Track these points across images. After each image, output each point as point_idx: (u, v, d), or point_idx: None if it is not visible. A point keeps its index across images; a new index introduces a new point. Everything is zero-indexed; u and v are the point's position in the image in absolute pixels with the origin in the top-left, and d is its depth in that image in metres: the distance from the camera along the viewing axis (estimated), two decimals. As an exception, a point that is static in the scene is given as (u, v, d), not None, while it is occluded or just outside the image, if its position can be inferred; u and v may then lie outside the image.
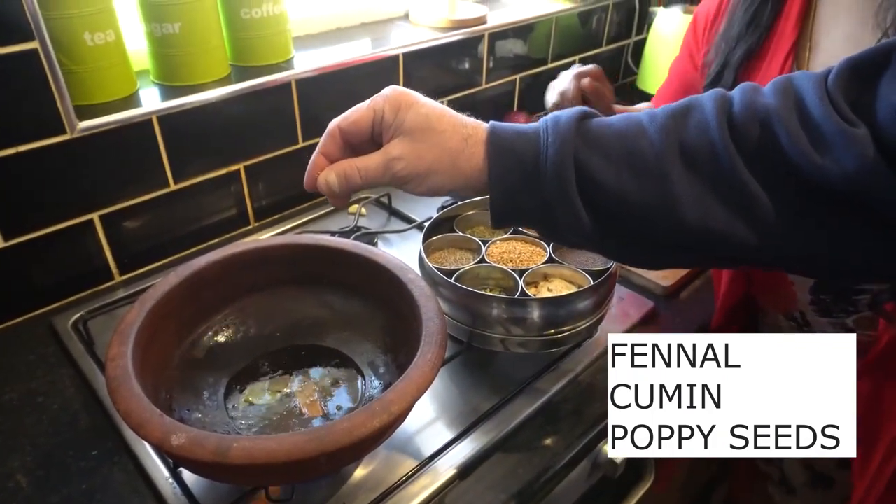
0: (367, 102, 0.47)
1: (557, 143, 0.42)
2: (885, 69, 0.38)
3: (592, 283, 0.69)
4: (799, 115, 0.39)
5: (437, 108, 0.45)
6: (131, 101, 0.81)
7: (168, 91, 0.84)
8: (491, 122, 0.46)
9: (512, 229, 0.80)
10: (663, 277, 0.86)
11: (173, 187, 0.87)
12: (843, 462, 0.80)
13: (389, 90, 0.46)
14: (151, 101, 0.81)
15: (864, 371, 0.64)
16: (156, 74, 0.85)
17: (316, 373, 0.66)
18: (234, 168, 0.92)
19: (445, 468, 0.60)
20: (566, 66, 1.41)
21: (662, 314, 0.83)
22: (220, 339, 0.66)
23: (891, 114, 0.36)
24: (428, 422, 0.65)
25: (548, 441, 0.64)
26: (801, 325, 0.72)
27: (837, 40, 0.62)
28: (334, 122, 0.48)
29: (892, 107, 0.36)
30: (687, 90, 0.81)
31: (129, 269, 0.87)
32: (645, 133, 0.42)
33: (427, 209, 0.99)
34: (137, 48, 0.84)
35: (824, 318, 0.69)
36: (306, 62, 0.95)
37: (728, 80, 0.69)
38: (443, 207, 0.83)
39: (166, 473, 0.58)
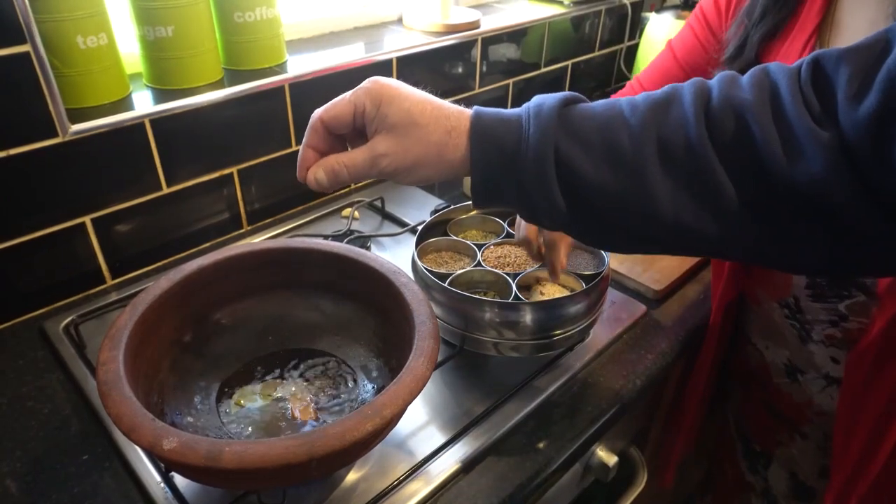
0: (348, 94, 0.47)
1: (538, 133, 0.43)
2: (842, 68, 0.38)
3: (585, 287, 0.69)
4: (773, 112, 0.40)
5: (419, 101, 0.45)
6: (124, 104, 0.80)
7: (161, 94, 0.83)
8: (475, 107, 0.46)
9: (504, 233, 0.81)
10: (655, 281, 0.87)
11: (166, 191, 0.86)
12: (824, 471, 0.80)
13: (370, 82, 0.46)
14: (144, 104, 0.81)
15: (855, 361, 0.65)
16: (148, 78, 0.85)
17: (308, 377, 0.66)
18: (226, 172, 0.92)
19: (438, 472, 0.60)
20: (559, 71, 1.43)
21: (654, 318, 0.83)
22: (212, 343, 0.66)
23: (848, 114, 0.37)
24: (420, 425, 0.65)
25: (540, 444, 0.64)
26: (795, 312, 0.72)
27: (861, 24, 0.62)
28: (316, 115, 0.48)
29: (851, 108, 0.37)
30: (686, 72, 0.81)
31: (121, 272, 0.87)
32: (625, 125, 0.43)
33: (420, 213, 0.99)
34: (130, 51, 0.84)
35: (818, 304, 0.69)
36: (299, 66, 0.95)
37: (749, 57, 0.69)
38: (436, 211, 0.84)
39: (158, 478, 0.58)
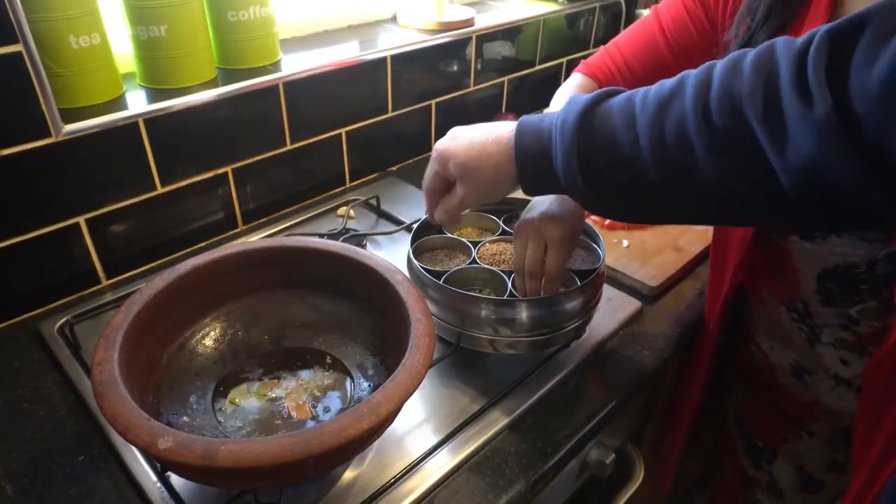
0: (430, 164, 0.64)
1: (561, 151, 0.52)
2: (860, 37, 0.39)
3: (580, 283, 0.69)
4: (767, 100, 0.42)
5: (468, 151, 0.58)
6: (117, 104, 0.80)
7: (154, 94, 0.83)
8: (517, 127, 0.56)
9: (500, 230, 0.80)
10: (651, 278, 0.87)
11: (160, 190, 0.86)
12: (833, 464, 0.80)
13: (435, 150, 0.62)
14: (138, 103, 0.81)
15: (874, 368, 0.64)
16: (142, 77, 0.85)
17: (304, 375, 0.66)
18: (221, 171, 0.92)
19: (434, 469, 0.60)
20: (554, 68, 1.43)
21: (650, 314, 0.83)
22: (208, 342, 0.66)
23: (861, 82, 0.38)
24: (417, 423, 0.65)
25: (537, 441, 0.64)
26: (804, 316, 0.71)
27: None
28: (423, 186, 0.66)
29: (864, 74, 0.38)
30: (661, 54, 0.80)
31: (115, 272, 0.86)
32: (633, 127, 0.49)
33: (416, 211, 0.99)
34: (124, 51, 0.84)
35: (828, 308, 0.68)
36: (293, 65, 0.95)
37: None
38: (431, 209, 0.84)
39: (154, 478, 0.58)
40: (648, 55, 0.79)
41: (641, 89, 0.50)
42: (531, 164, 0.55)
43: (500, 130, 0.57)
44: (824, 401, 0.76)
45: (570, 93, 0.80)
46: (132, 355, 0.55)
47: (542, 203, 0.68)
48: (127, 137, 0.80)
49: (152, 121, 0.81)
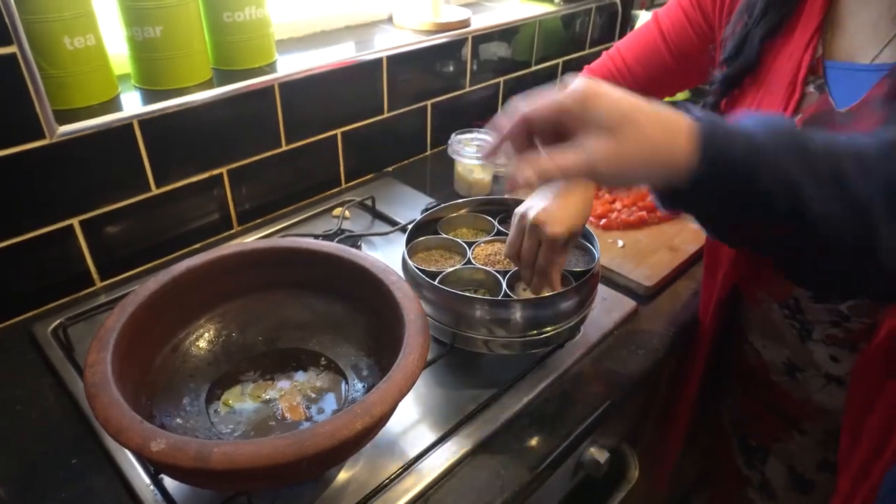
0: (551, 94, 0.45)
1: (777, 169, 0.43)
2: None
3: (575, 283, 0.69)
4: None
5: (631, 98, 0.43)
6: (112, 105, 0.80)
7: (150, 95, 0.83)
8: (696, 112, 0.45)
9: (495, 230, 0.80)
10: (646, 277, 0.87)
11: (155, 192, 0.86)
12: (824, 465, 0.81)
13: (578, 84, 0.44)
14: (133, 105, 0.81)
15: (863, 364, 0.64)
16: (137, 78, 0.85)
17: (299, 377, 0.66)
18: (216, 172, 0.92)
19: (430, 469, 0.60)
20: (551, 69, 1.43)
21: (645, 314, 0.83)
22: (202, 343, 0.66)
23: None
24: (412, 423, 0.65)
25: (532, 441, 0.64)
26: (795, 313, 0.72)
27: (863, 24, 0.61)
28: (520, 109, 0.45)
29: None
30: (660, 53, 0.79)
31: (110, 274, 0.86)
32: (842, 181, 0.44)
33: (411, 212, 0.99)
34: (119, 52, 0.84)
35: (819, 305, 0.69)
36: (290, 65, 0.95)
37: (750, 56, 0.67)
38: (426, 210, 0.84)
39: (147, 480, 0.58)
40: (650, 58, 0.80)
41: (847, 143, 0.46)
42: (726, 163, 0.43)
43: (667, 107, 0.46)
44: (815, 399, 0.76)
45: None
46: (125, 357, 0.55)
47: (544, 196, 0.67)
48: (122, 139, 0.80)
49: (147, 122, 0.81)
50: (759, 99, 0.67)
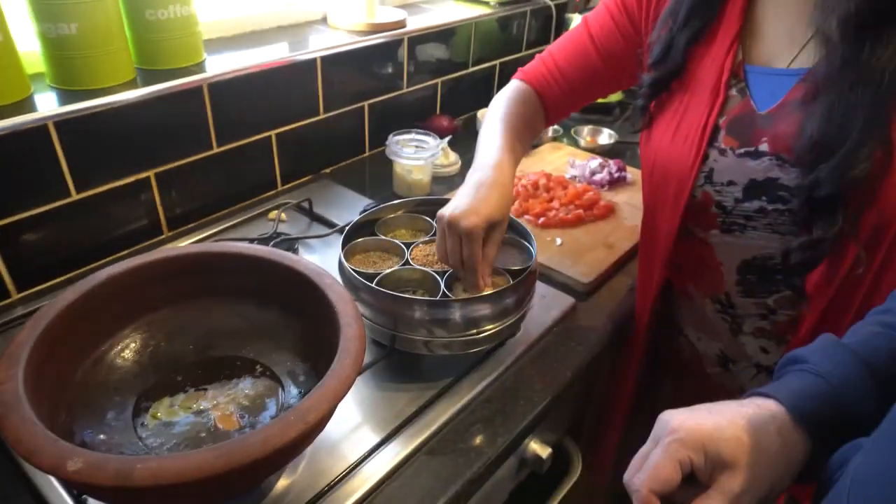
0: (664, 454, 0.43)
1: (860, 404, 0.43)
2: None
3: (512, 281, 0.70)
4: None
5: (733, 423, 0.43)
6: (24, 105, 0.75)
7: (67, 95, 0.79)
8: (782, 394, 0.45)
9: (433, 231, 0.80)
10: (583, 274, 0.89)
11: (75, 197, 0.82)
12: None
13: (675, 431, 0.43)
14: (48, 105, 0.76)
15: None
16: (52, 78, 0.80)
17: (233, 385, 0.63)
18: (143, 176, 0.88)
19: (372, 472, 0.60)
20: (488, 70, 1.44)
21: (583, 310, 0.85)
22: (128, 355, 0.63)
23: None
24: (353, 427, 0.64)
25: (475, 440, 0.64)
26: (726, 307, 0.75)
27: (779, 31, 0.64)
28: (644, 489, 0.43)
29: None
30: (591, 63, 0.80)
31: (27, 285, 0.81)
32: None
33: (350, 213, 0.97)
34: (31, 49, 0.79)
35: (748, 299, 0.72)
36: (219, 65, 0.92)
37: (676, 60, 0.69)
38: (364, 211, 0.82)
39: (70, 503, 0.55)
40: (580, 61, 0.81)
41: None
42: (828, 430, 0.43)
43: (737, 405, 0.46)
44: (748, 388, 0.79)
45: (508, 99, 0.82)
46: (40, 373, 0.51)
47: (458, 195, 0.68)
48: (35, 141, 0.75)
49: (64, 123, 0.77)
50: (685, 102, 0.69)
